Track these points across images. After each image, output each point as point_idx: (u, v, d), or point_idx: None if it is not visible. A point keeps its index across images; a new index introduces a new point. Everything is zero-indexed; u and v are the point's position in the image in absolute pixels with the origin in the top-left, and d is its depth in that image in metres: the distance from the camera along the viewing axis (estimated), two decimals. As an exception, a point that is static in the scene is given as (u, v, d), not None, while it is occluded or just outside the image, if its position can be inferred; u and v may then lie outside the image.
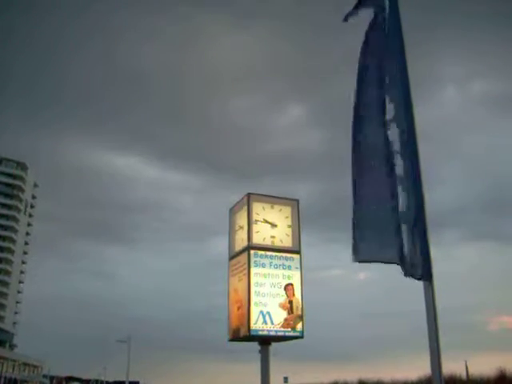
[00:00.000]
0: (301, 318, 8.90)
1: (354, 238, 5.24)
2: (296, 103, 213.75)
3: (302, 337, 8.80)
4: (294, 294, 9.07)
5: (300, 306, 8.97)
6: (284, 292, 9.08)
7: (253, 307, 8.95)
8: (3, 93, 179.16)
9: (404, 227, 5.15)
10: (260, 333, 8.91)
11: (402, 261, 5.06)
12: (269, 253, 9.33)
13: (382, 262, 5.23)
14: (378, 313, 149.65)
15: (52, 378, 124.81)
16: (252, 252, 9.25)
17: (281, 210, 9.74)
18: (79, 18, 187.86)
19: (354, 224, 5.28)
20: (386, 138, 5.47)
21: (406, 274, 5.03)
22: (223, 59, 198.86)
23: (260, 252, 9.32)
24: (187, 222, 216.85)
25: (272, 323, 8.92)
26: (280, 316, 8.97)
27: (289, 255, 9.32)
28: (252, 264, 9.17)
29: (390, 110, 5.62)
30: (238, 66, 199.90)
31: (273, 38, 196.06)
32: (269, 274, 9.15)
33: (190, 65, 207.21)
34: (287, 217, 9.66)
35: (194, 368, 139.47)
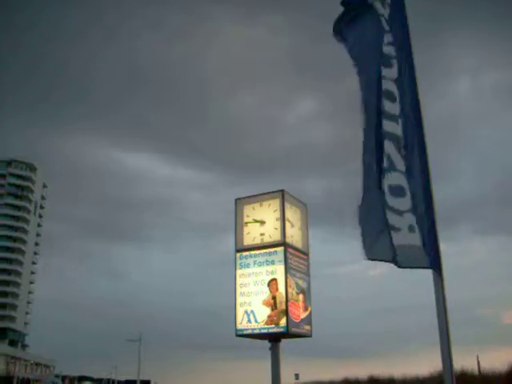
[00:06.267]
0: (285, 312, 8.73)
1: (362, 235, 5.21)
2: (306, 97, 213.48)
3: (286, 332, 8.65)
4: (277, 289, 8.92)
5: (284, 300, 8.81)
6: (267, 288, 9.04)
7: (238, 308, 9.16)
8: (12, 96, 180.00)
9: (412, 219, 5.14)
10: (245, 332, 9.00)
11: (394, 257, 5.01)
12: (253, 252, 9.37)
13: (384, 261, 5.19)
14: (390, 308, 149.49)
15: (64, 378, 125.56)
16: (238, 255, 9.52)
17: (269, 205, 9.64)
18: (80, 9, 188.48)
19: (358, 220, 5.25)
20: (379, 131, 5.42)
21: (400, 266, 4.98)
22: (232, 53, 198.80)
23: (244, 253, 9.45)
24: (197, 219, 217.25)
25: (256, 321, 8.88)
26: (263, 313, 8.90)
27: (273, 249, 9.21)
28: (238, 266, 9.41)
29: (396, 103, 5.58)
30: (248, 61, 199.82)
31: (282, 31, 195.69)
32: (252, 272, 9.18)
33: (198, 59, 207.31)
34: (276, 210, 9.54)
35: (204, 366, 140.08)
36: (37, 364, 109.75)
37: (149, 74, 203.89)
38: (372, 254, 5.15)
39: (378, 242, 5.15)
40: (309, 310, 9.38)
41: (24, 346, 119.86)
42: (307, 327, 9.25)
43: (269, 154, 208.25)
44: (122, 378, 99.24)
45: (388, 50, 5.79)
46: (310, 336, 9.36)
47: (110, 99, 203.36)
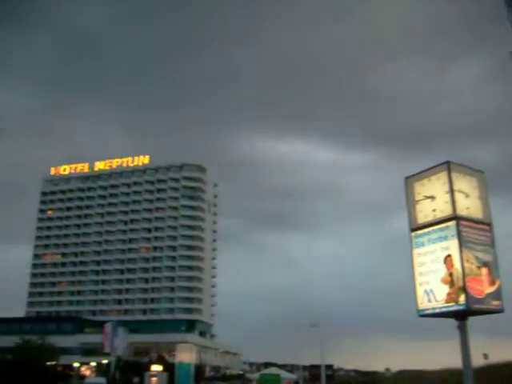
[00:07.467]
0: (463, 289, 8.25)
1: None
2: (468, 60, 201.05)
3: (467, 309, 8.19)
4: (452, 265, 8.48)
5: (461, 277, 8.30)
6: (444, 266, 8.61)
7: (418, 287, 9.00)
8: (183, 104, 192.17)
9: None
10: (426, 312, 8.84)
11: None
12: (426, 229, 9.12)
13: None
14: None
15: (251, 365, 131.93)
16: (413, 234, 9.42)
17: (438, 178, 9.22)
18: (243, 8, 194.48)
19: None
20: None
21: None
22: (386, 25, 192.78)
23: (419, 232, 9.26)
24: (365, 201, 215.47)
25: (436, 300, 8.64)
26: (442, 291, 8.56)
27: (444, 225, 8.76)
28: (413, 246, 9.23)
29: None
30: (402, 29, 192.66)
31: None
32: (428, 251, 8.93)
33: (349, 38, 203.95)
34: (444, 183, 9.06)
35: (385, 348, 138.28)
36: (226, 352, 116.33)
37: (295, 60, 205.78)
38: None
39: None
40: (497, 283, 8.78)
41: (212, 336, 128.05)
42: (496, 302, 8.66)
43: (433, 124, 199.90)
44: (306, 363, 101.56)
45: None
46: (501, 311, 8.75)
47: (264, 92, 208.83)
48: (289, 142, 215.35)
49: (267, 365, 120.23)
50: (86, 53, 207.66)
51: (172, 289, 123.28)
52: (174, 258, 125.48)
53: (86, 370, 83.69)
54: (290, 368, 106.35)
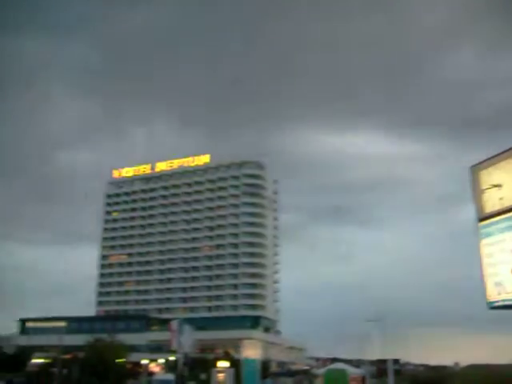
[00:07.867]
0: None
1: None
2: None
3: None
4: None
5: None
6: None
7: (486, 279, 8.66)
8: (242, 102, 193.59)
9: None
10: (496, 304, 8.45)
11: None
12: (493, 219, 8.67)
13: None
14: None
15: (317, 360, 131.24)
16: (480, 224, 9.00)
17: (504, 165, 8.76)
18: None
19: None
20: None
21: None
22: (430, 15, 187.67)
23: (486, 221, 8.85)
24: (427, 193, 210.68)
25: (506, 292, 8.22)
26: None
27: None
28: (481, 236, 8.99)
29: None
30: (446, 18, 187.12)
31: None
32: (496, 241, 8.48)
33: (409, 29, 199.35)
34: (511, 170, 8.62)
35: (453, 341, 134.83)
36: (290, 348, 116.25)
37: (356, 55, 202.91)
38: None
39: None
40: None
41: (277, 332, 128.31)
42: None
43: (495, 111, 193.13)
44: (372, 358, 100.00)
45: None
46: None
47: (324, 87, 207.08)
48: (350, 136, 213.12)
49: (333, 360, 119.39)
50: (144, 56, 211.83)
51: (235, 286, 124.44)
52: (236, 256, 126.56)
53: (154, 367, 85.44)
54: (356, 363, 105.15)
